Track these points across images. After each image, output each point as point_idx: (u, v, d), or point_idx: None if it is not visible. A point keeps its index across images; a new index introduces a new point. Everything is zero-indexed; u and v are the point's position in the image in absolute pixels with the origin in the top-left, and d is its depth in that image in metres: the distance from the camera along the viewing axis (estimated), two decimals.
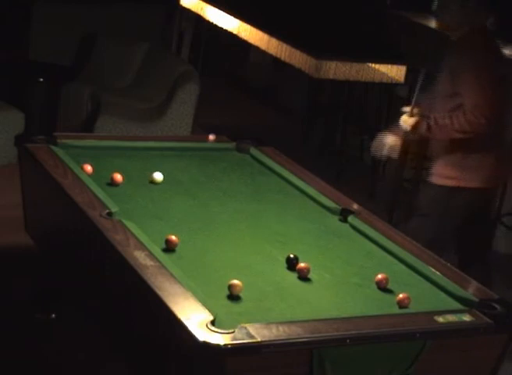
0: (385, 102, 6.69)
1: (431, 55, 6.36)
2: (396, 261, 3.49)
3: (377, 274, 3.28)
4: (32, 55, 7.10)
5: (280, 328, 2.75)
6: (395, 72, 3.25)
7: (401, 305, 3.11)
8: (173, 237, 3.33)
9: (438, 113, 4.11)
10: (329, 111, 7.50)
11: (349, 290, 3.24)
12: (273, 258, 3.40)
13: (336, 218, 3.84)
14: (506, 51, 6.00)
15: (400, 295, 3.13)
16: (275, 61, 7.20)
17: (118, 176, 3.90)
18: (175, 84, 6.21)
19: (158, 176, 4.00)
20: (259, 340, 2.66)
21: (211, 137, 4.47)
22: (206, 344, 2.62)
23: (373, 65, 3.23)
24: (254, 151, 4.51)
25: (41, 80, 6.38)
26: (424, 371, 2.93)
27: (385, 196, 6.38)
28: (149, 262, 3.09)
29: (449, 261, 3.54)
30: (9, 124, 5.90)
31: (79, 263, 3.69)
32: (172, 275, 3.01)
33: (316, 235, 3.68)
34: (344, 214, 3.83)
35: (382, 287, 3.25)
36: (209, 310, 2.79)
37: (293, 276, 3.27)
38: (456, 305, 3.15)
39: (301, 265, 3.28)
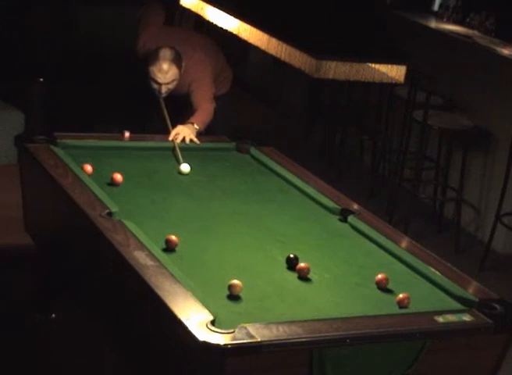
0: (385, 102, 6.69)
1: (430, 55, 6.38)
2: (396, 261, 3.49)
3: (377, 274, 3.28)
4: (32, 55, 7.09)
5: (280, 328, 2.75)
6: (395, 72, 3.24)
7: (401, 305, 3.11)
8: (173, 237, 3.33)
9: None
10: (329, 111, 7.51)
11: (349, 290, 3.24)
12: (273, 258, 3.40)
13: (335, 218, 3.84)
14: (506, 52, 6.00)
15: (400, 295, 3.13)
16: (275, 61, 7.21)
17: (118, 176, 3.91)
18: None
19: (185, 167, 4.15)
20: (259, 340, 2.67)
21: (127, 134, 4.45)
22: (206, 344, 2.62)
23: (373, 65, 3.23)
24: (254, 151, 4.51)
25: (41, 80, 6.38)
26: (424, 371, 2.93)
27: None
28: (149, 262, 3.09)
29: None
30: (9, 124, 5.90)
31: (79, 263, 3.69)
32: (172, 275, 3.01)
33: (316, 235, 3.68)
34: (344, 214, 3.83)
35: (382, 287, 3.25)
36: (209, 310, 2.80)
37: (293, 276, 3.27)
38: (456, 305, 3.15)
39: (301, 265, 3.28)
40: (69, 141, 4.21)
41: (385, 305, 3.13)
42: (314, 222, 3.81)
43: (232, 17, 3.69)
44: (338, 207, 3.88)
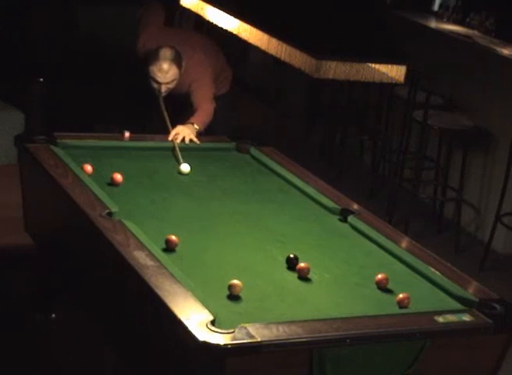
0: (385, 102, 6.69)
1: (430, 55, 6.38)
2: (396, 261, 3.49)
3: (377, 274, 3.28)
4: (32, 55, 7.10)
5: (280, 328, 2.75)
6: (395, 72, 3.24)
7: (401, 305, 3.11)
8: (173, 237, 3.33)
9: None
10: (329, 111, 7.51)
11: (349, 290, 3.24)
12: (273, 258, 3.40)
13: (335, 218, 3.84)
14: (506, 52, 6.00)
15: (400, 295, 3.13)
16: (275, 61, 7.24)
17: (118, 176, 3.91)
18: None
19: (185, 167, 4.15)
20: (259, 340, 2.67)
21: (127, 134, 4.45)
22: (206, 344, 2.62)
23: (373, 65, 3.23)
24: (254, 151, 4.51)
25: (41, 80, 6.39)
26: (424, 371, 2.93)
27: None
28: (149, 262, 3.09)
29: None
30: (9, 124, 5.90)
31: (79, 263, 3.69)
32: (172, 275, 3.01)
33: (316, 235, 3.68)
34: (344, 214, 3.83)
35: (382, 287, 3.25)
36: (209, 310, 2.80)
37: (293, 276, 3.27)
38: (456, 305, 3.15)
39: (301, 265, 3.28)
40: (69, 141, 4.21)
41: (385, 305, 3.13)
42: (314, 222, 3.81)
43: (232, 17, 3.69)
44: (338, 207, 3.88)
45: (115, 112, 6.44)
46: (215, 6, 3.84)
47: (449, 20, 6.88)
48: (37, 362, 3.97)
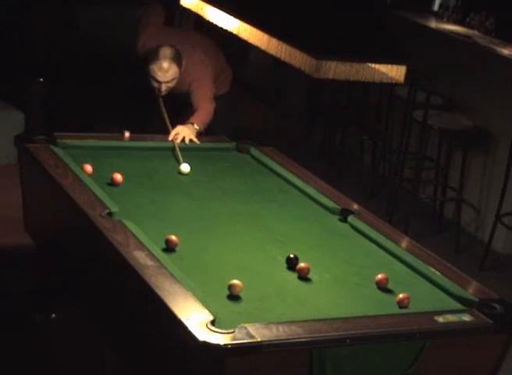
0: (385, 102, 6.69)
1: (430, 55, 6.38)
2: (396, 261, 3.49)
3: (377, 274, 3.28)
4: (32, 55, 7.10)
5: (280, 328, 2.75)
6: (395, 72, 3.24)
7: (401, 305, 3.11)
8: (173, 237, 3.33)
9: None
10: (329, 111, 7.51)
11: (349, 290, 3.24)
12: (273, 258, 3.40)
13: (335, 218, 3.84)
14: (506, 52, 6.00)
15: (400, 295, 3.13)
16: (275, 61, 7.24)
17: (118, 176, 3.91)
18: None
19: (185, 167, 4.16)
20: (259, 340, 2.67)
21: (127, 134, 4.46)
22: (206, 344, 2.63)
23: (373, 65, 3.23)
24: (254, 151, 4.51)
25: (41, 80, 6.39)
26: (424, 371, 2.93)
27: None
28: (149, 262, 3.09)
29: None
30: (9, 124, 5.90)
31: (79, 263, 3.69)
32: (172, 275, 3.01)
33: (316, 235, 3.68)
34: (344, 214, 3.83)
35: (382, 287, 3.25)
36: (209, 310, 2.80)
37: (293, 276, 3.27)
38: (456, 305, 3.15)
39: (301, 265, 3.28)
40: (69, 141, 4.21)
41: (385, 305, 3.13)
42: (314, 222, 3.81)
43: (232, 17, 3.69)
44: (338, 207, 3.88)
45: (115, 112, 6.44)
46: (215, 6, 3.84)
47: (449, 20, 6.88)
48: (37, 362, 3.97)
